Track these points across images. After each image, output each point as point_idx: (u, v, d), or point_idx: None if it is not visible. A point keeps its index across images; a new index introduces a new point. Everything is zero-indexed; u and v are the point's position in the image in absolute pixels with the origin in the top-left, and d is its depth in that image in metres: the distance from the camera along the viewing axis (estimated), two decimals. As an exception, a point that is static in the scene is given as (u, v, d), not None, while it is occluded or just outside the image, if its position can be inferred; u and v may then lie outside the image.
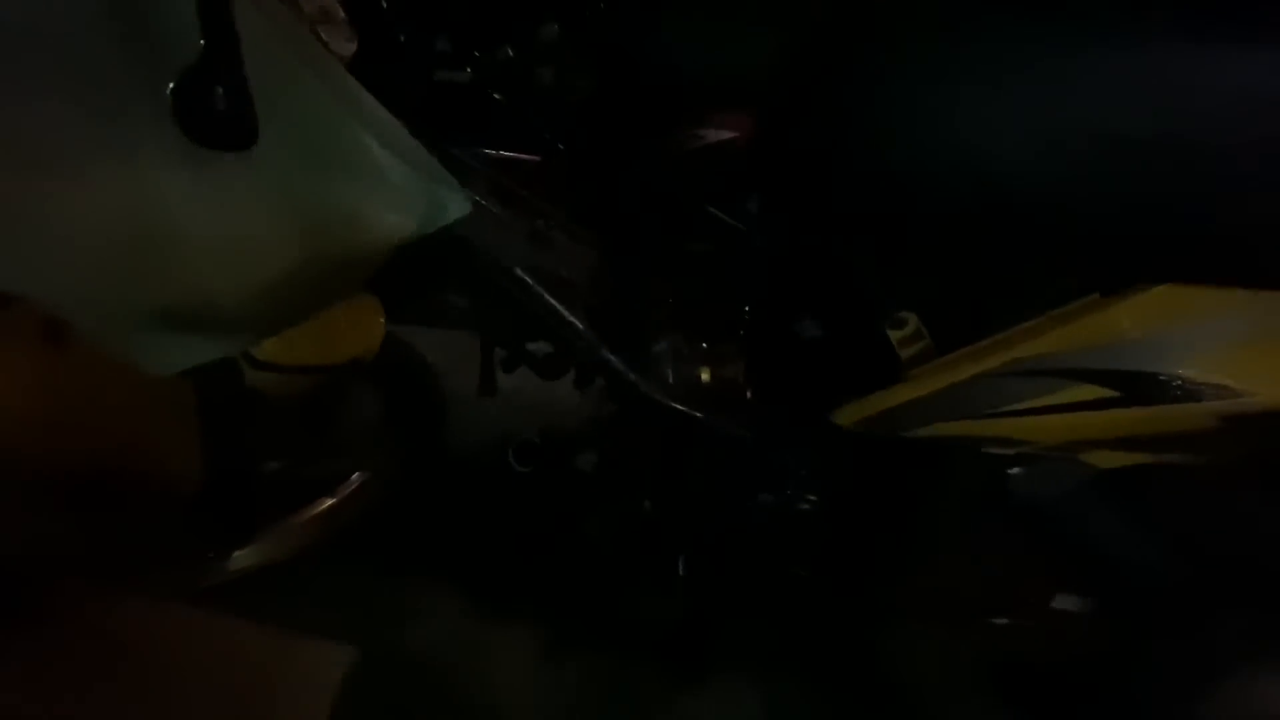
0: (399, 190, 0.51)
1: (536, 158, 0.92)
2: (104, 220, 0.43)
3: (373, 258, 0.52)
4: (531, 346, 0.88)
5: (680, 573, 0.91)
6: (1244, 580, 0.69)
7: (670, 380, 0.83)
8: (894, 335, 0.67)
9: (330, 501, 1.08)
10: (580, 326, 0.74)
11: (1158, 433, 0.59)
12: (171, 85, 0.41)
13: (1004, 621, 0.83)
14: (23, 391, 0.67)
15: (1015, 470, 0.68)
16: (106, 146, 0.42)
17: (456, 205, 0.55)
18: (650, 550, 0.95)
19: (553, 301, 0.73)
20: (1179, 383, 0.55)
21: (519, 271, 0.72)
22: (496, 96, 0.87)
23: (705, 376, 0.84)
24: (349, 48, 0.66)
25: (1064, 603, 0.79)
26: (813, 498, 0.82)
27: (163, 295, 0.47)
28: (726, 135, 0.85)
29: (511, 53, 0.86)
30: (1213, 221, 0.52)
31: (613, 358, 0.76)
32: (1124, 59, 0.48)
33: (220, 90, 0.40)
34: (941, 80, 0.53)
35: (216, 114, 0.41)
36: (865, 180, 0.59)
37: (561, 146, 0.89)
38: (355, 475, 1.09)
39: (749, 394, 0.85)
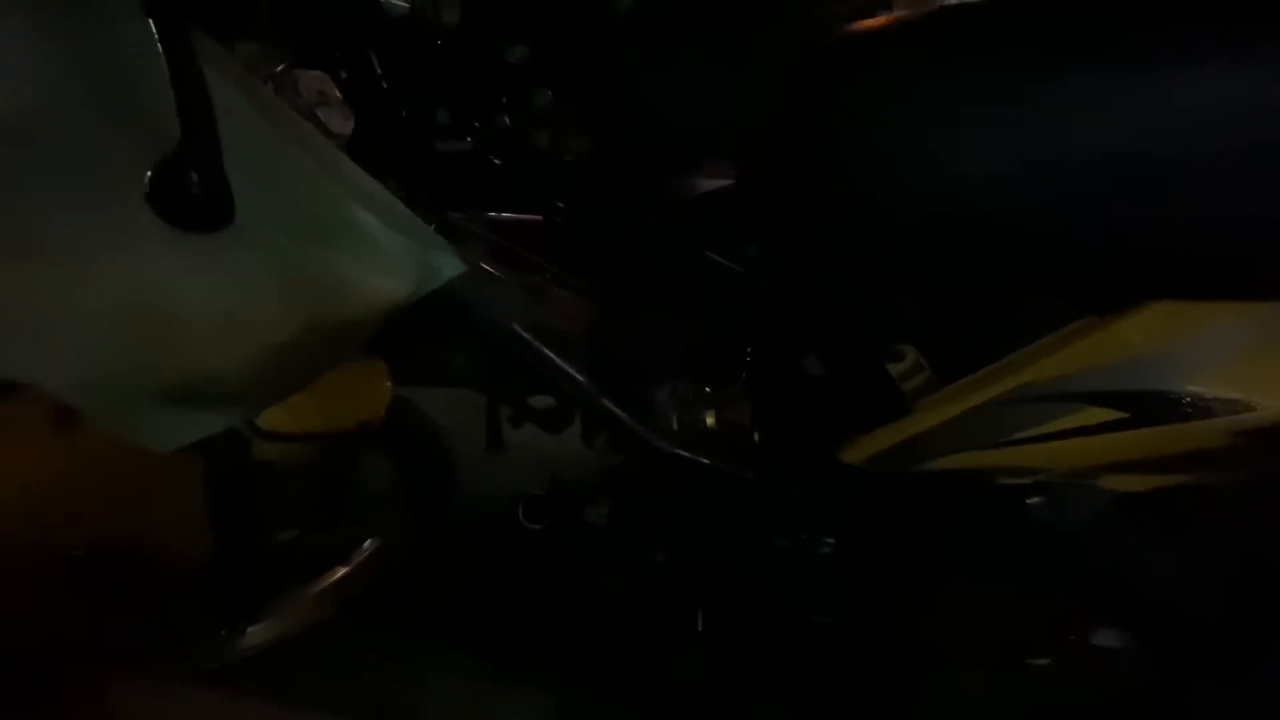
0: (391, 256, 0.53)
1: (539, 217, 0.94)
2: (103, 305, 0.45)
3: (369, 321, 0.54)
4: (534, 401, 0.88)
5: (699, 627, 0.88)
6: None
7: (675, 426, 0.83)
8: (894, 369, 0.66)
9: (344, 570, 1.07)
10: (578, 378, 0.74)
11: (1171, 452, 0.57)
12: (149, 172, 0.42)
13: (1044, 661, 0.79)
14: (32, 479, 0.68)
15: (1034, 500, 0.66)
16: (99, 233, 0.44)
17: (450, 266, 0.56)
18: (667, 604, 0.92)
19: (550, 354, 0.73)
20: (1188, 399, 0.53)
21: (516, 327, 0.73)
22: (497, 162, 0.91)
23: (710, 421, 0.84)
24: (347, 126, 0.69)
25: (1104, 638, 0.75)
26: (830, 540, 0.80)
27: (164, 373, 0.48)
28: (721, 183, 0.88)
29: (508, 120, 0.90)
30: (1199, 237, 0.51)
31: (613, 407, 0.76)
32: (1094, 82, 0.49)
33: (195, 175, 0.41)
34: (915, 118, 0.54)
35: (191, 198, 0.42)
36: (849, 222, 0.60)
37: (561, 204, 0.92)
38: (368, 542, 1.08)
39: (756, 436, 0.84)
